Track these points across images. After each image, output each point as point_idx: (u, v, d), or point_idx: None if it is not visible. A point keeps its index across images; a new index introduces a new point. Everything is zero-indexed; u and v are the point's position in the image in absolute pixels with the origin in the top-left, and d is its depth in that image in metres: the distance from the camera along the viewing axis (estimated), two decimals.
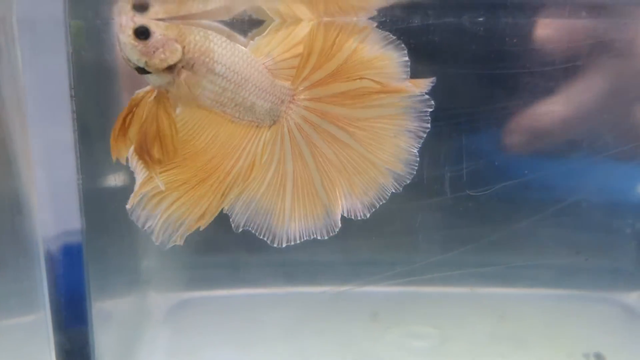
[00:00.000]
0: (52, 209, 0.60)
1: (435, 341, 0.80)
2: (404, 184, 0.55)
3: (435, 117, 0.62)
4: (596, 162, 0.68)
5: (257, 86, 0.53)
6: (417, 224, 0.68)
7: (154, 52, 0.49)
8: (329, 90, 0.53)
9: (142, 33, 0.49)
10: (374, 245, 0.72)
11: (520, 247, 0.75)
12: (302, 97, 0.54)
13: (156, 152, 0.51)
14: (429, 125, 0.53)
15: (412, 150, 0.54)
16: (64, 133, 0.58)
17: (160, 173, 0.52)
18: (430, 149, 0.64)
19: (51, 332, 0.64)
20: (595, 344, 0.79)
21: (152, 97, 0.51)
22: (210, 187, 0.54)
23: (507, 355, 0.79)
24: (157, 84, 0.50)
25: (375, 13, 0.54)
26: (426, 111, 0.53)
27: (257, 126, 0.54)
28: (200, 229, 0.55)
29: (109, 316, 0.73)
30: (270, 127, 0.55)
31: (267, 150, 0.54)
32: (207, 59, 0.51)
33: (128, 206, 0.53)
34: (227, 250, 0.76)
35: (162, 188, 0.52)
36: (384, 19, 0.59)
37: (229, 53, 0.52)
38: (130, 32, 0.49)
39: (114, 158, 0.51)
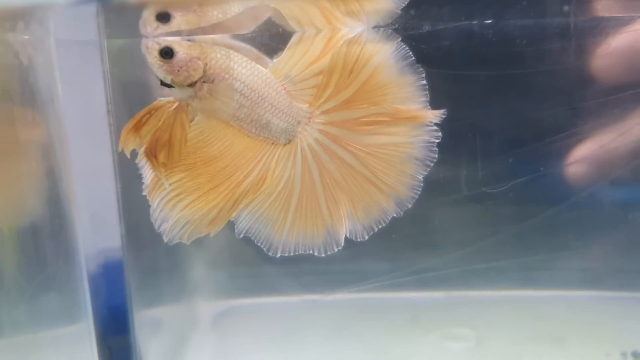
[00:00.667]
0: (92, 227, 0.64)
1: (473, 342, 0.81)
2: (406, 208, 0.56)
3: (451, 118, 0.64)
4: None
5: (274, 105, 0.55)
6: (436, 223, 0.70)
7: (178, 70, 0.53)
8: (344, 115, 0.55)
9: (166, 53, 0.52)
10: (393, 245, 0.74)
11: (549, 247, 0.76)
12: (318, 120, 0.56)
13: (162, 157, 0.54)
14: (436, 155, 0.55)
15: (418, 176, 0.55)
16: (103, 149, 0.62)
17: (174, 175, 0.55)
18: (447, 148, 0.67)
19: (94, 342, 0.67)
20: (633, 343, 0.78)
21: (173, 107, 0.55)
22: (223, 195, 0.57)
23: (545, 354, 0.79)
24: (180, 97, 0.54)
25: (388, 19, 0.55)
26: (434, 141, 0.55)
27: (273, 143, 0.57)
28: (211, 235, 0.58)
29: (159, 324, 0.77)
30: (284, 145, 0.57)
31: (279, 166, 0.56)
32: (227, 76, 0.54)
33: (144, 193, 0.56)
34: (271, 259, 0.78)
35: (167, 187, 0.55)
36: (395, 25, 0.62)
37: (248, 72, 0.55)
38: (156, 53, 0.52)
39: (119, 149, 0.54)
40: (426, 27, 0.62)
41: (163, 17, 0.52)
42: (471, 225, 0.72)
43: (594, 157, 0.67)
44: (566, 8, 0.60)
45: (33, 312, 0.62)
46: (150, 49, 0.52)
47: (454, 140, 0.66)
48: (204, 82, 0.54)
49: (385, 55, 0.54)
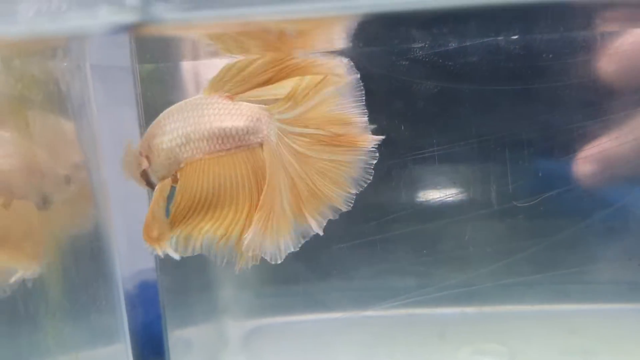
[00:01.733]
0: (129, 249, 0.65)
1: (505, 358, 0.80)
2: (338, 213, 0.57)
3: (480, 133, 0.65)
4: None
5: (217, 113, 0.54)
6: (467, 238, 0.70)
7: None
8: (296, 129, 0.55)
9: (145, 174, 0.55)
10: (425, 260, 0.75)
11: (580, 260, 0.76)
12: (277, 121, 0.55)
13: (155, 232, 0.54)
14: (370, 177, 0.55)
15: (351, 195, 0.56)
16: None
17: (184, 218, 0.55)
18: (478, 164, 0.68)
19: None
20: None
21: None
22: (234, 219, 0.56)
23: None
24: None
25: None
26: (371, 164, 0.55)
27: (250, 150, 0.55)
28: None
29: (189, 344, 0.77)
30: (262, 146, 0.55)
31: (266, 167, 0.56)
32: (155, 142, 0.54)
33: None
34: (298, 278, 0.79)
35: (177, 258, 0.55)
36: (422, 44, 0.63)
37: (174, 118, 0.54)
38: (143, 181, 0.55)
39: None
40: (452, 44, 0.63)
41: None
42: (502, 240, 0.72)
43: (604, 156, 0.67)
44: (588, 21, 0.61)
45: (76, 332, 0.63)
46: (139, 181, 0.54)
47: (484, 155, 0.66)
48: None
49: (338, 86, 0.54)
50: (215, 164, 0.54)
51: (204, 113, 0.54)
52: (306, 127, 0.55)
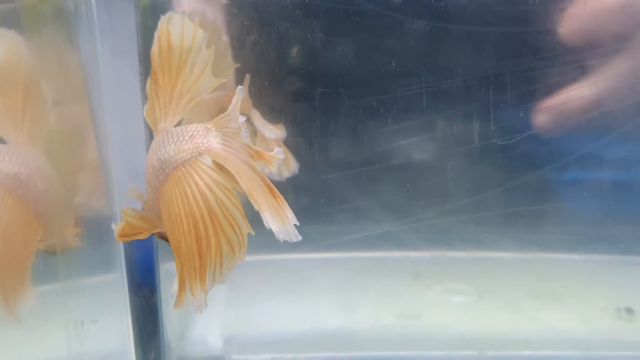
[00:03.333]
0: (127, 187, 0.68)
1: (474, 297, 0.84)
2: None
3: (466, 73, 0.68)
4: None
5: (158, 143, 0.52)
6: (448, 172, 0.73)
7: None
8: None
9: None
10: (409, 194, 0.77)
11: (551, 207, 0.79)
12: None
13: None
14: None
15: None
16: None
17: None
18: (462, 104, 0.71)
19: (127, 288, 0.72)
20: (627, 300, 0.82)
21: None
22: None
23: (544, 309, 0.83)
24: None
25: None
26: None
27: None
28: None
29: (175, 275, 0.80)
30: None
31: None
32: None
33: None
34: None
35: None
36: None
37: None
38: None
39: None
40: None
41: None
42: (480, 176, 0.75)
43: (560, 106, 0.70)
44: None
45: (81, 260, 0.65)
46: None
47: (469, 95, 0.69)
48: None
49: None
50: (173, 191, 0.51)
51: (152, 146, 0.53)
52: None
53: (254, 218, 0.74)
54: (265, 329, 0.84)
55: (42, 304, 0.61)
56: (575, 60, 0.69)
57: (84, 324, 0.63)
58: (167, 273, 0.73)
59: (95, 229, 0.68)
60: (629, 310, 0.81)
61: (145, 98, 0.54)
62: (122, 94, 0.65)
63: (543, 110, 0.70)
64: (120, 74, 0.64)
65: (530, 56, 0.68)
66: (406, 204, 0.77)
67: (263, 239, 0.85)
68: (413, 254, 0.83)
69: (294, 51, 0.68)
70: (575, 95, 0.69)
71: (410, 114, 0.71)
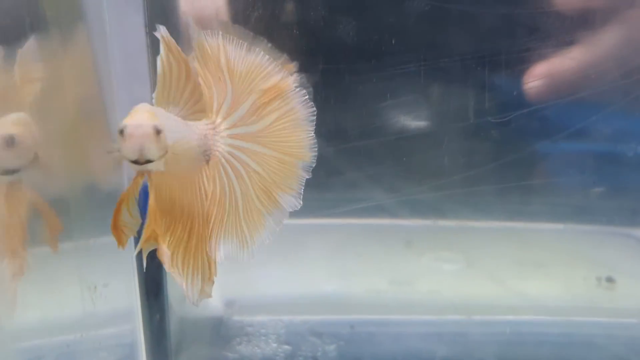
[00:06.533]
0: None
1: (463, 264, 0.88)
2: (311, 168, 0.57)
3: (464, 51, 0.70)
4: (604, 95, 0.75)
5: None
6: (443, 147, 0.76)
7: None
8: (239, 114, 0.56)
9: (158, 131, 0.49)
10: (404, 167, 0.80)
11: (540, 181, 0.82)
12: (222, 127, 0.56)
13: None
14: (314, 109, 0.56)
15: (311, 135, 0.57)
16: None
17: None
18: (458, 81, 0.73)
19: (134, 247, 0.74)
20: (608, 270, 0.86)
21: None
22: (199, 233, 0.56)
23: (528, 277, 0.87)
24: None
25: None
26: (306, 98, 0.56)
27: (200, 169, 0.55)
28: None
29: None
30: (208, 163, 0.56)
31: (213, 183, 0.56)
32: None
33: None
34: None
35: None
36: None
37: None
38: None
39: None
40: None
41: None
42: (474, 152, 0.78)
43: (551, 76, 0.72)
44: None
45: (94, 220, 0.67)
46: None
47: (465, 73, 0.72)
48: None
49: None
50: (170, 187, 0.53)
51: None
52: (257, 144, 0.56)
53: None
54: (263, 292, 0.88)
55: (58, 264, 0.64)
56: (569, 39, 0.71)
57: (97, 288, 0.66)
58: None
59: (105, 193, 0.70)
60: (610, 279, 0.85)
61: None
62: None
63: (533, 76, 0.72)
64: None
65: (525, 37, 0.71)
66: (401, 177, 0.79)
67: None
68: (406, 222, 0.85)
69: (296, 28, 0.71)
70: (564, 62, 0.71)
71: (407, 90, 0.74)
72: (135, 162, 0.48)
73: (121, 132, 0.47)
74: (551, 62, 0.71)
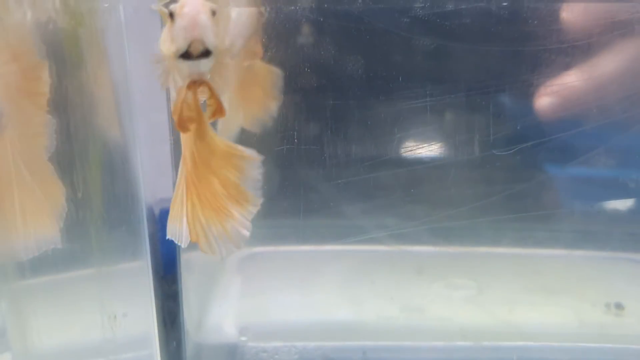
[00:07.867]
0: (153, 182, 0.71)
1: (474, 292, 0.89)
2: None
3: (469, 87, 0.73)
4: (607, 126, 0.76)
5: None
6: (451, 179, 0.78)
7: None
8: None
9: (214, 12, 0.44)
10: (414, 197, 0.82)
11: (546, 208, 0.84)
12: None
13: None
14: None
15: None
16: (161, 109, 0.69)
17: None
18: (463, 116, 0.75)
19: (151, 275, 0.76)
20: (617, 296, 0.87)
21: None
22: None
23: (537, 303, 0.88)
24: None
25: None
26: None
27: None
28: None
29: (193, 266, 0.85)
30: None
31: None
32: None
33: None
34: (290, 213, 0.83)
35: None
36: (422, 4, 0.70)
37: None
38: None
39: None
40: (449, 6, 0.70)
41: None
42: (480, 184, 0.79)
43: (562, 92, 0.74)
44: None
45: (111, 243, 0.69)
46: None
47: (470, 108, 0.74)
48: None
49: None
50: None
51: None
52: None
53: (266, 212, 0.79)
54: (277, 318, 0.89)
55: (79, 291, 0.66)
56: (572, 73, 0.73)
57: (117, 317, 0.68)
58: (187, 263, 0.78)
59: (125, 216, 0.72)
60: (618, 306, 0.86)
61: None
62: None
63: (544, 95, 0.74)
64: None
65: (529, 73, 0.73)
66: (411, 207, 0.81)
67: (274, 231, 0.90)
68: (417, 250, 0.87)
69: (308, 66, 0.73)
70: (572, 83, 0.73)
71: (414, 124, 0.76)
72: (187, 56, 0.43)
73: (171, 15, 0.43)
74: (555, 94, 0.73)
